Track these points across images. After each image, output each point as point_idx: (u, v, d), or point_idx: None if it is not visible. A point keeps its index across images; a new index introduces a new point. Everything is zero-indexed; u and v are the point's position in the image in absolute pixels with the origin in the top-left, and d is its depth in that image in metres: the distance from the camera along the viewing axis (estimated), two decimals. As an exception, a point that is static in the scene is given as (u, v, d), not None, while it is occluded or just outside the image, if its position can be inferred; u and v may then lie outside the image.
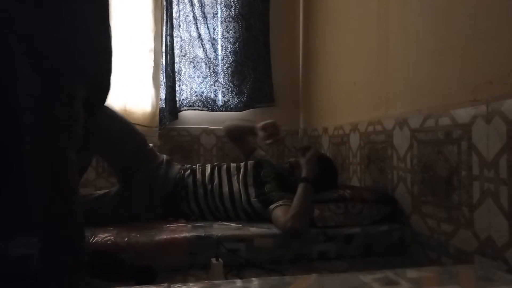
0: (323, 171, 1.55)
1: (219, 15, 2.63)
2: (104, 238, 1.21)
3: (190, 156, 2.53)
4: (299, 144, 1.59)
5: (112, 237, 1.22)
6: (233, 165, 1.64)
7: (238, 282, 0.76)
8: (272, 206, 1.43)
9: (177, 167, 1.64)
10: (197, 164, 1.67)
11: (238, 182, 1.56)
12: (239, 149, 1.86)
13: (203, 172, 1.60)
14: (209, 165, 1.65)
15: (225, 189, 1.54)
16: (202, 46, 2.58)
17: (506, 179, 0.96)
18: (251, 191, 1.52)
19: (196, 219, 1.52)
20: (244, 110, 2.62)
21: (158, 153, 1.67)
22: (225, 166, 1.64)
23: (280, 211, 1.38)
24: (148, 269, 1.11)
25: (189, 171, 1.61)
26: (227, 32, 2.61)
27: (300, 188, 1.38)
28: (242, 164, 1.64)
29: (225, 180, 1.57)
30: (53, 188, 0.97)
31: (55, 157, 0.98)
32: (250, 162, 1.64)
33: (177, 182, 1.56)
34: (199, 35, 2.57)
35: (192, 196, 1.54)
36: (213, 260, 1.06)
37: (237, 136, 1.83)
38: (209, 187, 1.54)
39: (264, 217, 1.48)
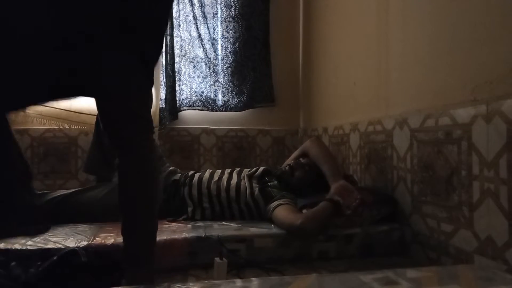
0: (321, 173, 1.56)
1: (219, 15, 2.63)
2: (104, 238, 1.21)
3: (190, 156, 2.53)
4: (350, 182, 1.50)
5: (112, 238, 1.22)
6: (246, 169, 1.70)
7: (238, 282, 0.76)
8: (272, 205, 1.44)
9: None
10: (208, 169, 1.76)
11: (245, 178, 1.62)
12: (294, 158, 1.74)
13: (212, 172, 1.69)
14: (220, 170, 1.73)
15: (233, 182, 1.61)
16: (202, 46, 2.58)
17: (506, 179, 0.96)
18: (255, 185, 1.57)
19: (192, 213, 1.54)
20: (244, 110, 2.62)
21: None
22: (238, 169, 1.71)
23: (283, 210, 1.39)
24: None
25: (196, 170, 1.75)
26: (227, 32, 2.61)
27: (324, 203, 1.34)
28: (254, 168, 1.69)
29: (235, 177, 1.64)
30: (154, 188, 1.03)
31: (154, 157, 1.04)
32: (261, 168, 1.69)
33: (183, 173, 1.69)
34: (199, 35, 2.57)
35: (196, 182, 1.62)
36: (217, 259, 1.06)
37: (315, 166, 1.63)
38: (215, 179, 1.63)
39: (263, 214, 1.49)
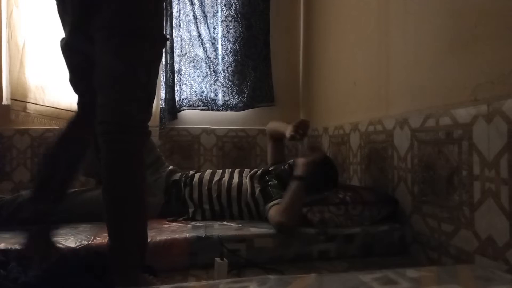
0: (323, 172, 1.56)
1: (219, 14, 2.62)
2: (104, 238, 1.21)
3: (190, 156, 2.53)
4: (309, 143, 1.63)
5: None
6: (247, 169, 1.72)
7: (237, 282, 0.76)
8: (269, 204, 1.44)
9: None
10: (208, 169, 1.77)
11: (246, 177, 1.63)
12: (270, 153, 1.90)
13: (213, 172, 1.69)
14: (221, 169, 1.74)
15: (235, 181, 1.61)
16: (202, 46, 2.58)
17: (507, 179, 0.96)
18: (256, 185, 1.58)
19: (193, 214, 1.54)
20: (245, 109, 2.62)
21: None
22: (239, 169, 1.72)
23: (274, 209, 1.40)
24: (148, 267, 1.11)
25: (196, 170, 1.74)
26: (227, 32, 2.60)
27: (293, 185, 1.38)
28: (254, 169, 1.70)
29: (236, 177, 1.64)
30: (129, 188, 0.98)
31: (133, 158, 0.99)
32: (261, 168, 1.71)
33: (183, 173, 1.69)
34: (199, 34, 2.57)
35: (196, 182, 1.61)
36: (218, 259, 1.06)
37: (276, 138, 1.86)
38: (217, 178, 1.63)
39: (262, 215, 1.50)
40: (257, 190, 1.54)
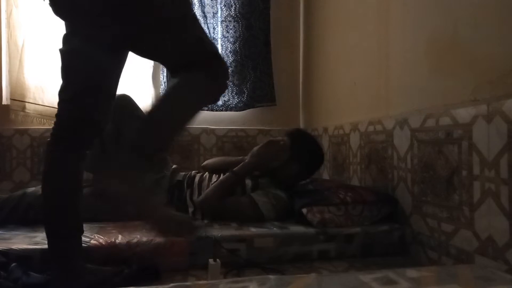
0: (308, 151, 1.67)
1: (219, 14, 2.62)
2: (104, 238, 1.21)
3: (190, 156, 2.53)
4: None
5: (113, 238, 1.22)
6: None
7: (237, 282, 0.76)
8: None
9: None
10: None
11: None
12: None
13: (211, 176, 1.70)
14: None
15: None
16: (202, 46, 2.57)
17: (506, 179, 0.96)
18: (248, 182, 1.61)
19: (193, 215, 1.55)
20: (245, 109, 2.61)
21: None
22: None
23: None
24: (153, 267, 1.11)
25: (198, 171, 1.77)
26: (227, 32, 2.60)
27: (225, 176, 1.54)
28: None
29: None
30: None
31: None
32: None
33: (186, 174, 1.72)
34: (199, 34, 2.57)
35: (196, 185, 1.62)
36: (211, 260, 1.06)
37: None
38: (213, 180, 1.64)
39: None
40: (249, 186, 1.58)
